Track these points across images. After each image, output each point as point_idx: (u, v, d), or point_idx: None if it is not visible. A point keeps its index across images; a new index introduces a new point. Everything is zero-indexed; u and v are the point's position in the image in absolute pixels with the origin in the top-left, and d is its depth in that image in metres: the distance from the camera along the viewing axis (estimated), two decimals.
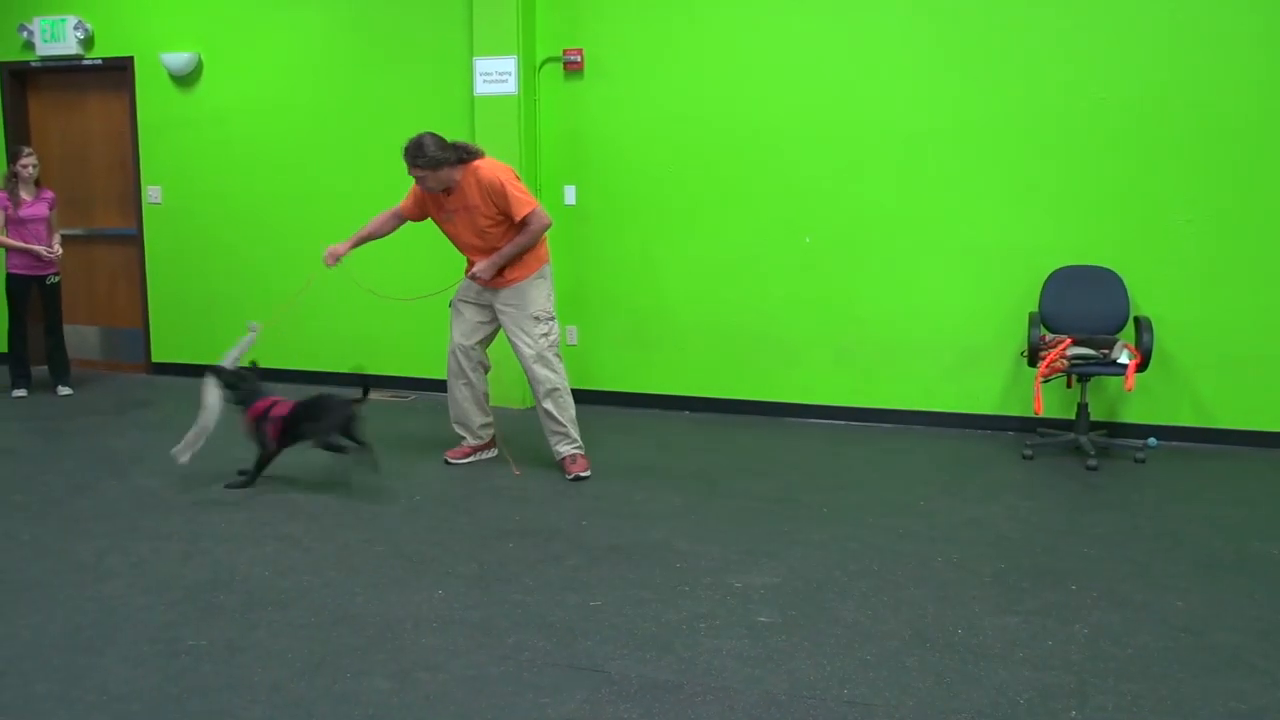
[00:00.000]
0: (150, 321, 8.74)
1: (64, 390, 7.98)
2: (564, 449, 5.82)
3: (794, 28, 6.96)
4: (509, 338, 5.82)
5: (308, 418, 5.47)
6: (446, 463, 6.07)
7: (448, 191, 5.63)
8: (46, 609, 4.07)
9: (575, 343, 7.64)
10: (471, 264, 5.80)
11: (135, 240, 8.66)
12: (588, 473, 5.77)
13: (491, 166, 5.58)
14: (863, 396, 7.10)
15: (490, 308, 5.86)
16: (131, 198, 8.65)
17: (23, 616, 4.01)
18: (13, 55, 8.71)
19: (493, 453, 6.20)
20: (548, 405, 5.77)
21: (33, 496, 5.48)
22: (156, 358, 8.76)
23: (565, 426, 5.80)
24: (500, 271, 5.69)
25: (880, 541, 4.80)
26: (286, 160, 8.17)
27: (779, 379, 7.21)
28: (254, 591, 4.23)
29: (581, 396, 7.52)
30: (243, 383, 5.66)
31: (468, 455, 6.11)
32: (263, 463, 5.61)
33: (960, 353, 6.87)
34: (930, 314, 6.90)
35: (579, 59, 7.34)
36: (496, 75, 7.29)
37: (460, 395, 6.02)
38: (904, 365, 7.00)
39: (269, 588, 4.27)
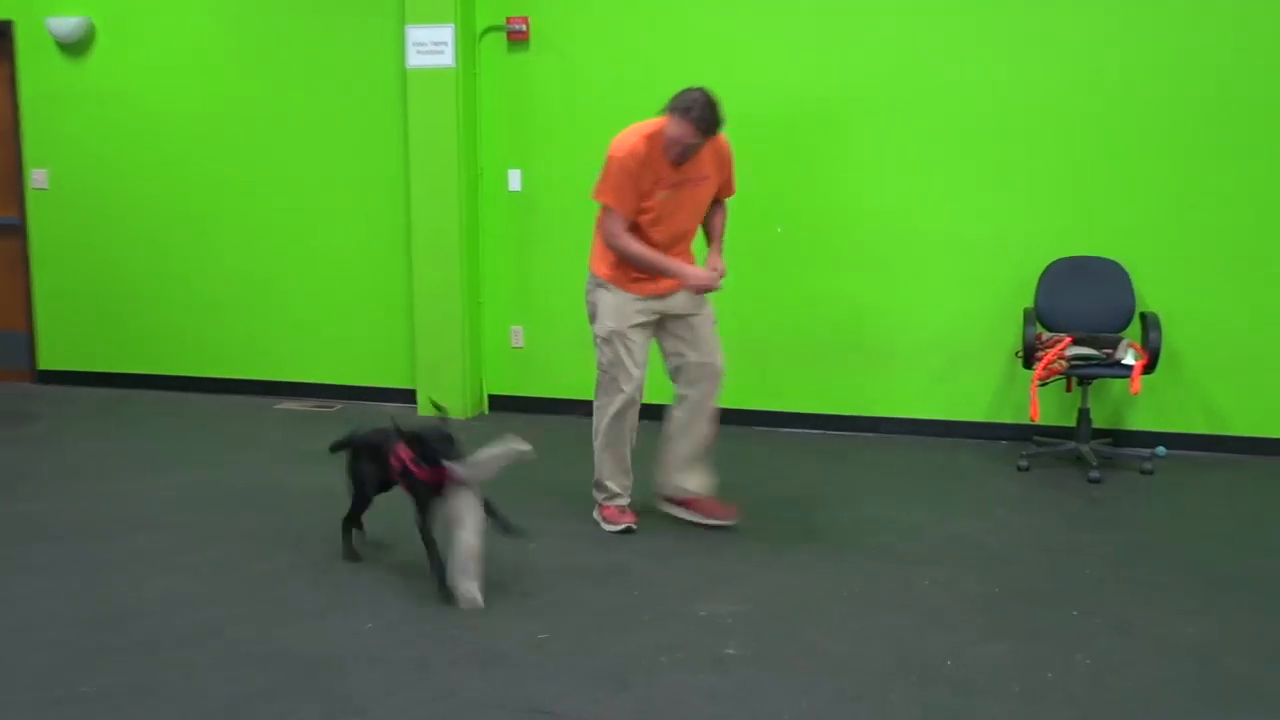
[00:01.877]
0: (36, 323, 8.65)
1: None
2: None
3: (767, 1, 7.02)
4: (707, 349, 5.28)
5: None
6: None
7: (677, 163, 5.01)
8: None
9: (521, 345, 7.65)
10: (616, 267, 5.12)
11: (17, 230, 8.56)
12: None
13: None
14: (842, 404, 7.15)
15: (652, 325, 5.23)
16: (13, 182, 8.54)
17: None
18: None
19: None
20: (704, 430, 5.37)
21: None
22: (43, 364, 8.68)
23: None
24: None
25: (860, 562, 4.84)
26: (193, 141, 8.12)
27: (749, 385, 7.22)
28: (159, 628, 4.20)
29: (526, 404, 7.57)
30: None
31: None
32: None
33: (948, 354, 6.93)
34: (915, 312, 6.95)
35: (524, 28, 7.34)
36: (431, 46, 7.28)
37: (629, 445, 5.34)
38: (887, 369, 7.05)
39: (176, 624, 4.24)
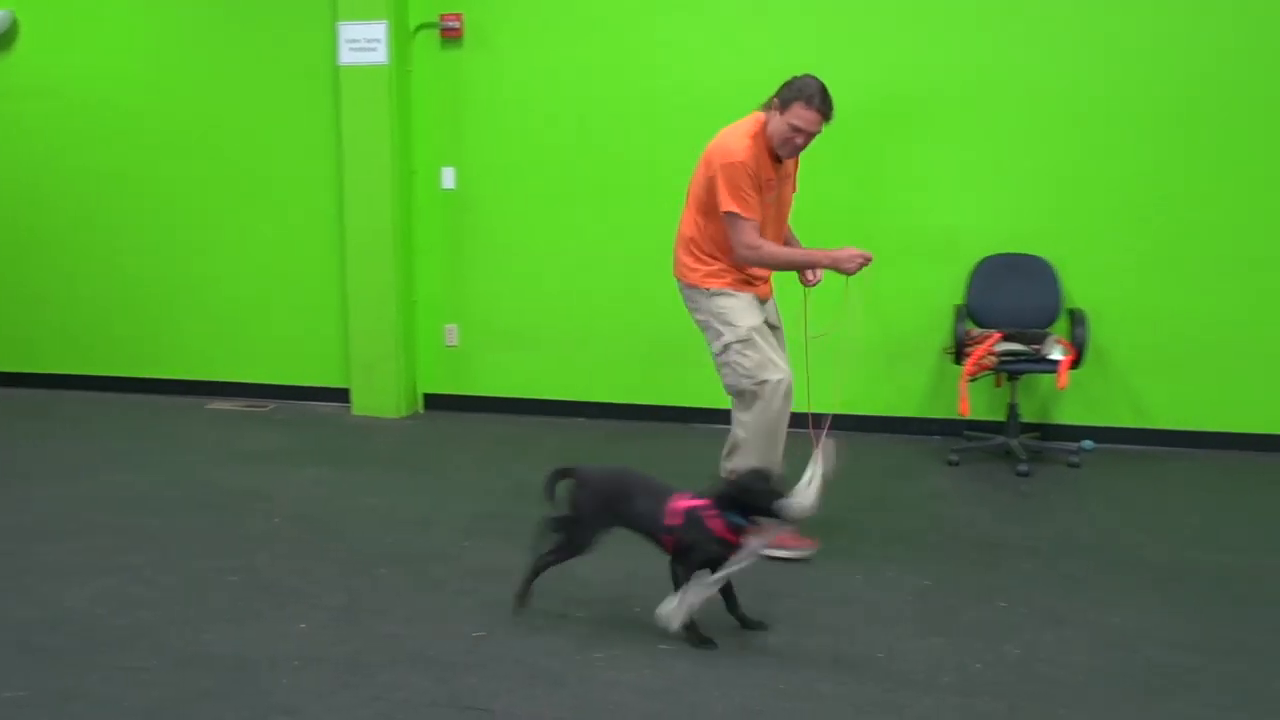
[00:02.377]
0: None
1: None
2: None
3: None
4: (788, 363, 5.00)
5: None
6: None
7: (787, 158, 4.90)
8: None
9: (456, 343, 7.60)
10: (757, 275, 4.97)
11: None
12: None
13: None
14: None
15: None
16: None
17: None
18: None
19: None
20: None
21: None
22: None
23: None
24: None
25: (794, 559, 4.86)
26: (123, 138, 8.00)
27: (685, 382, 7.23)
28: (88, 631, 4.13)
29: (460, 403, 7.53)
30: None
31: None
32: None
33: (880, 351, 6.97)
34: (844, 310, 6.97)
35: (458, 25, 7.30)
36: (364, 42, 7.22)
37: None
38: (820, 366, 7.06)
39: (106, 626, 4.18)
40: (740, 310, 4.84)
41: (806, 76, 4.75)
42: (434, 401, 7.70)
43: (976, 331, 6.41)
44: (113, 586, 4.56)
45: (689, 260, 4.94)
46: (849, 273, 4.80)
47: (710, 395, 7.15)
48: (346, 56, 7.27)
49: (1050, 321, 6.55)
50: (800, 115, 4.67)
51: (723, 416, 7.12)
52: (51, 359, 8.36)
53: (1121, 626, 4.17)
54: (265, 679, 3.75)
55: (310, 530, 5.23)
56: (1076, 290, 6.64)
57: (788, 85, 4.75)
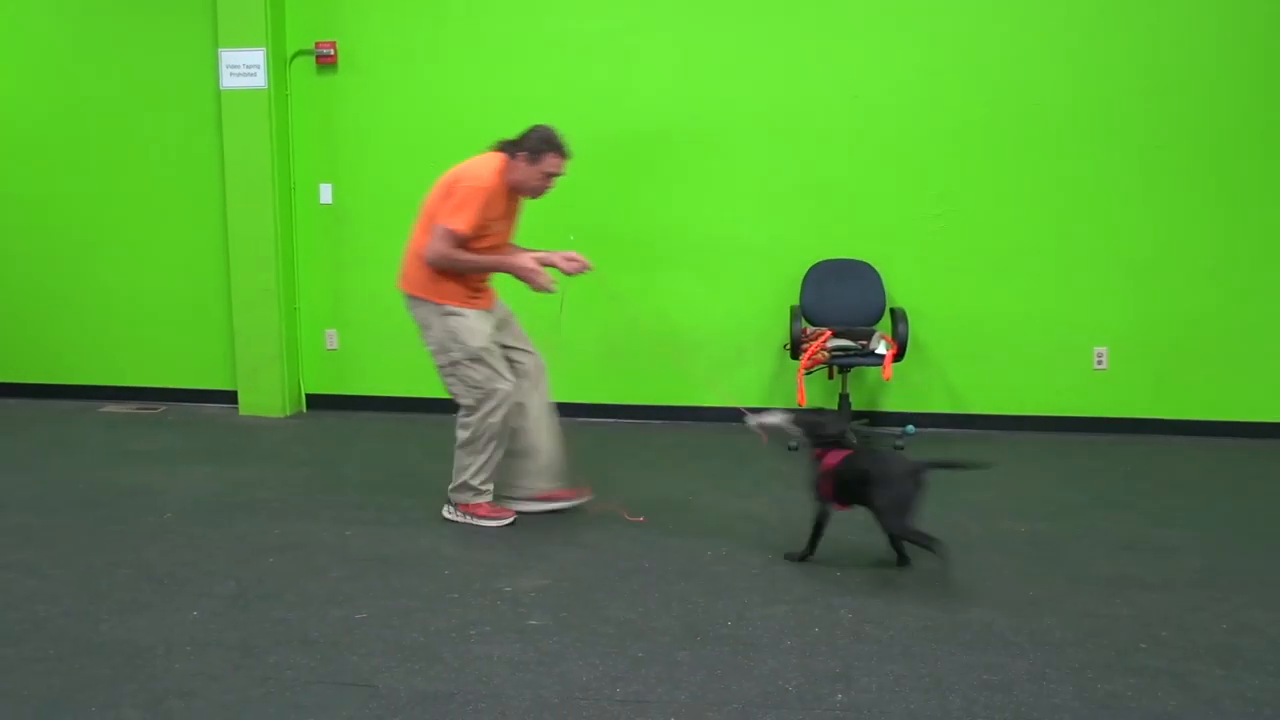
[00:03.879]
0: None
1: None
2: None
3: (554, 23, 7.01)
4: (529, 342, 5.28)
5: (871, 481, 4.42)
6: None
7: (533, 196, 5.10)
8: None
9: (335, 347, 7.50)
10: (483, 289, 5.09)
11: None
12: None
13: None
14: (630, 394, 7.22)
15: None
16: None
17: None
18: None
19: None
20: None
21: None
22: None
23: None
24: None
25: (650, 538, 4.90)
26: (10, 150, 7.72)
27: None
28: None
29: (341, 402, 7.44)
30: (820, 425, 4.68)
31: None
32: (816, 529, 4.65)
33: (725, 348, 7.06)
34: (695, 310, 7.06)
35: (332, 52, 7.20)
36: (244, 68, 7.09)
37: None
38: (671, 362, 7.14)
39: (4, 620, 4.04)
40: (470, 329, 4.94)
41: (546, 127, 4.91)
42: (316, 401, 7.58)
43: (810, 329, 6.52)
44: (7, 582, 4.40)
45: (420, 275, 4.98)
46: (567, 273, 5.10)
47: (567, 390, 7.23)
48: (228, 81, 7.12)
49: (875, 319, 6.70)
50: (555, 164, 4.89)
51: (579, 410, 7.21)
52: None
53: (944, 590, 4.29)
54: (160, 664, 3.66)
55: (200, 524, 5.12)
56: (897, 291, 6.80)
57: (534, 137, 4.88)
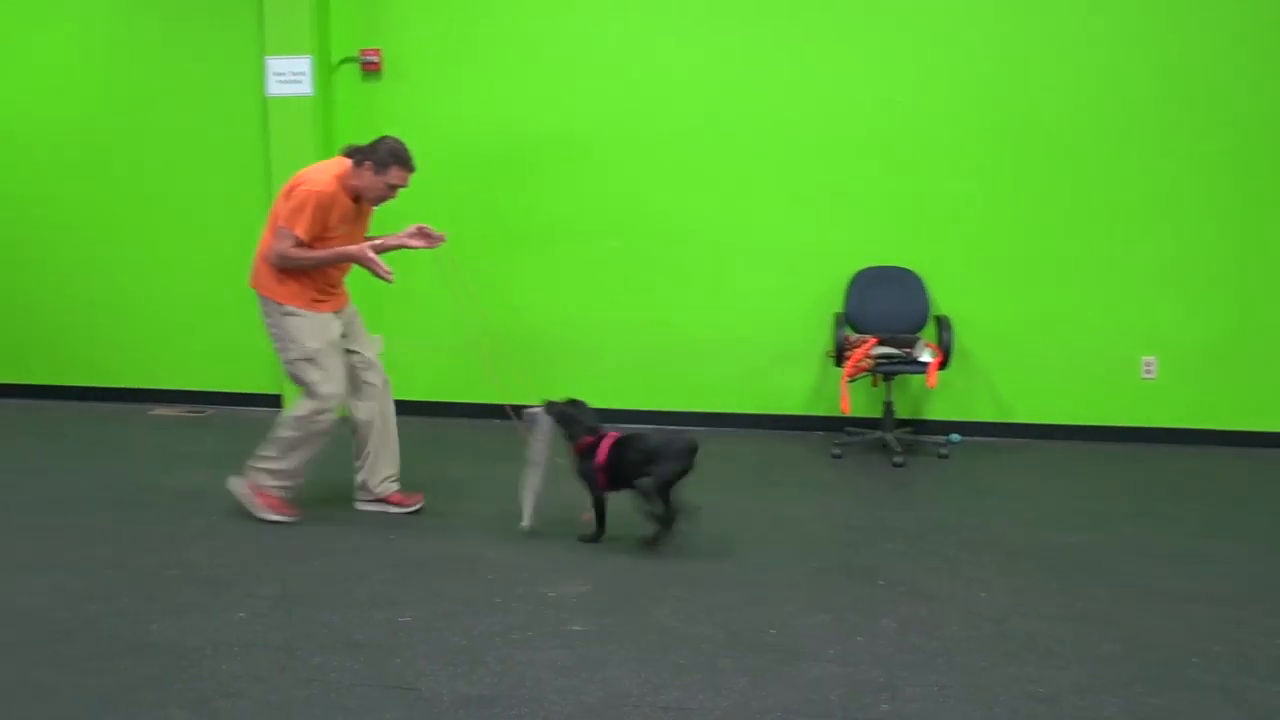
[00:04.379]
0: None
1: None
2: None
3: (598, 32, 7.03)
4: (369, 342, 5.47)
5: (646, 459, 4.72)
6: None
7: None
8: None
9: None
10: (329, 293, 5.20)
11: None
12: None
13: None
14: (672, 400, 7.20)
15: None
16: None
17: None
18: None
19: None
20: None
21: None
22: None
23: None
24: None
25: (692, 544, 4.88)
26: (64, 157, 7.81)
27: (585, 385, 7.19)
28: (34, 625, 4.03)
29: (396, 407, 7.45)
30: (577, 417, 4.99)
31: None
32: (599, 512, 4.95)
33: (768, 354, 7.04)
34: (738, 317, 7.04)
35: (376, 59, 7.25)
36: (290, 75, 7.14)
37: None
38: (713, 368, 7.13)
39: (56, 620, 4.07)
40: (308, 330, 5.07)
41: (395, 140, 5.03)
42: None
43: (855, 337, 6.49)
44: (60, 581, 4.45)
45: (264, 275, 5.10)
46: (417, 247, 5.24)
47: (605, 396, 7.22)
48: (274, 88, 7.18)
49: (920, 327, 6.65)
50: (399, 177, 5.02)
51: (619, 416, 7.20)
52: (1, 371, 8.14)
53: (989, 601, 4.24)
54: (207, 665, 3.68)
55: (246, 526, 5.15)
56: (942, 299, 6.75)
57: (382, 149, 4.99)
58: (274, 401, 7.53)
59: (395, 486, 5.42)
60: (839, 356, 6.42)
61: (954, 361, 6.50)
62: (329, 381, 5.09)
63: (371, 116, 7.34)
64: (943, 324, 6.50)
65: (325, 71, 7.23)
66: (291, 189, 4.99)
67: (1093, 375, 6.76)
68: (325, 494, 5.64)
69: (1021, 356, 6.80)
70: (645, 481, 4.67)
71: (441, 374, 7.49)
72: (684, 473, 4.71)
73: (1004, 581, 4.44)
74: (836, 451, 6.45)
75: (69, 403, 7.94)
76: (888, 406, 6.54)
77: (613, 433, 4.90)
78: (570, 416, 4.98)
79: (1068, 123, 6.61)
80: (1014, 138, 6.66)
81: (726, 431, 7.08)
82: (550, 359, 7.26)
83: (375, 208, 5.26)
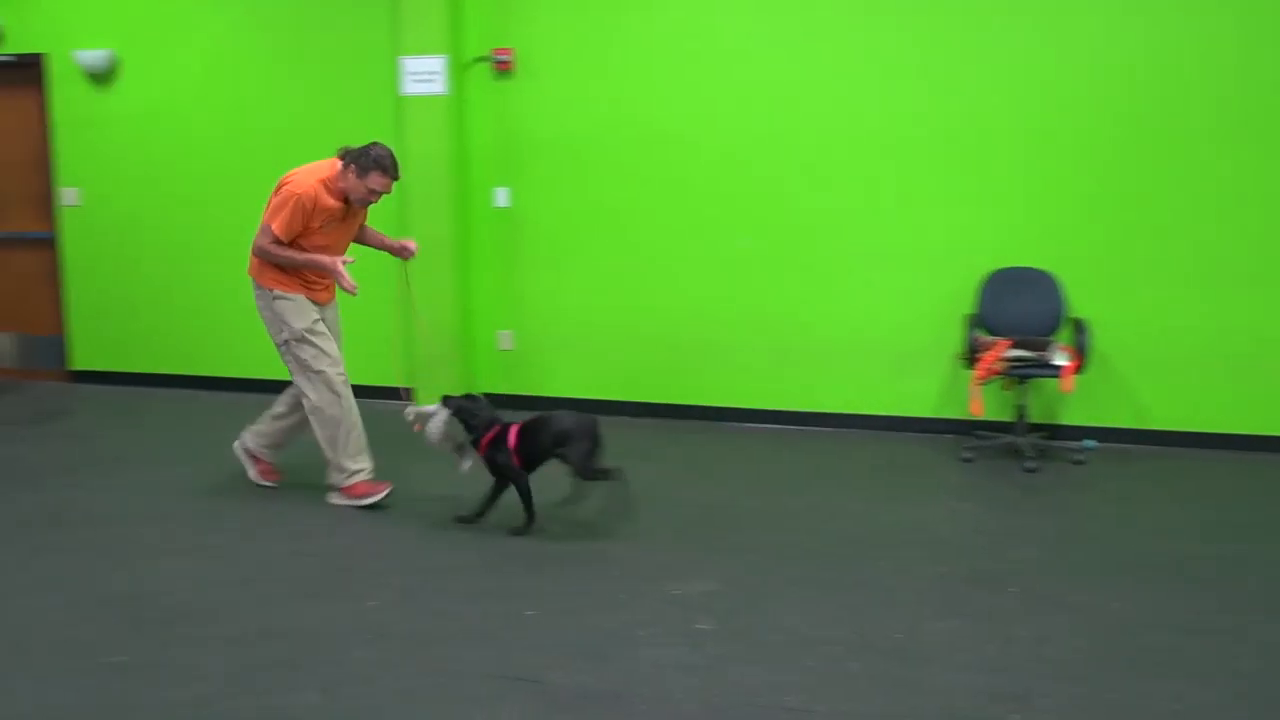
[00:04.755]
0: (69, 328, 8.55)
1: None
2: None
3: (727, 30, 6.98)
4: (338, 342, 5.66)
5: (557, 441, 4.97)
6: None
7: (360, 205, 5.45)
8: None
9: (510, 347, 7.60)
10: (318, 284, 5.47)
11: (50, 244, 8.47)
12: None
13: None
14: (801, 400, 7.13)
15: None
16: (46, 200, 8.44)
17: None
18: None
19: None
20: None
21: None
22: (76, 365, 8.57)
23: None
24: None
25: (820, 547, 4.82)
26: (211, 159, 8.02)
27: (717, 383, 7.22)
28: (175, 605, 4.15)
29: (518, 402, 7.51)
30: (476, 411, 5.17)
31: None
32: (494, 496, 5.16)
33: (898, 355, 6.92)
34: (868, 317, 6.94)
35: (509, 59, 7.31)
36: (425, 75, 7.24)
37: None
38: (842, 368, 7.03)
39: (191, 601, 4.19)
40: (295, 312, 5.33)
41: (380, 146, 5.23)
42: (491, 401, 7.67)
43: (986, 338, 6.35)
44: (197, 565, 4.58)
45: (256, 263, 5.42)
46: (346, 288, 5.35)
47: (738, 396, 7.19)
48: (409, 87, 7.29)
49: (1054, 330, 6.47)
50: (379, 182, 5.20)
51: (750, 416, 7.16)
52: (149, 360, 8.38)
53: (1124, 612, 4.11)
54: (338, 651, 3.75)
55: (377, 516, 5.24)
56: (1078, 301, 6.56)
57: (365, 154, 5.18)
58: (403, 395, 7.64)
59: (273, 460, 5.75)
60: (970, 358, 6.29)
61: (1091, 366, 6.31)
62: (322, 357, 5.36)
63: (503, 115, 7.41)
64: (1079, 327, 6.32)
65: (458, 71, 7.32)
66: (279, 186, 5.24)
67: (1241, 382, 6.49)
68: (450, 487, 5.71)
69: (1162, 361, 6.56)
70: (574, 454, 4.90)
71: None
72: (597, 447, 4.95)
73: (1140, 593, 4.29)
74: (967, 455, 6.32)
75: (201, 391, 8.15)
76: (1020, 410, 6.38)
77: (513, 423, 5.06)
78: (470, 410, 5.13)
79: (1215, 117, 6.35)
80: (1156, 132, 6.42)
81: (854, 433, 6.98)
82: (683, 357, 7.25)
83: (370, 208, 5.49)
